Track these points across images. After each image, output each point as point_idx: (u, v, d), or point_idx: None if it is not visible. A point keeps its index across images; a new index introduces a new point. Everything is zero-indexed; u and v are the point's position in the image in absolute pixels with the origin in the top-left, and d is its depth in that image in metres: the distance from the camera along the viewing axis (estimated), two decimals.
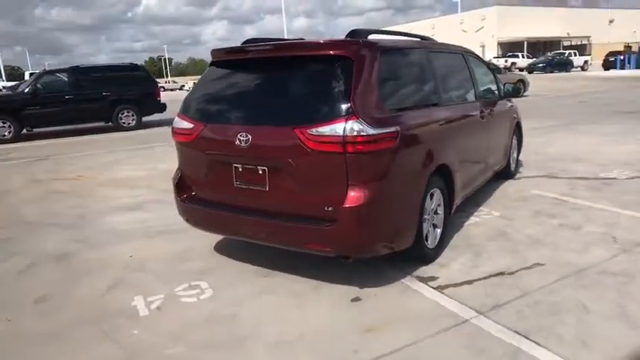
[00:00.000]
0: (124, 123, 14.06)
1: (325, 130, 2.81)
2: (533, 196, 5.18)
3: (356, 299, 3.12)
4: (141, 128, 14.11)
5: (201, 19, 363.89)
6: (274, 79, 3.24)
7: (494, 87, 5.19)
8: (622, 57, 32.46)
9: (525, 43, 52.80)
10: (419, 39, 4.06)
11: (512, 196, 5.24)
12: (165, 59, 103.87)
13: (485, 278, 3.31)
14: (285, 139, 2.95)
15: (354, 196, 2.84)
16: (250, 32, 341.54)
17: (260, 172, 3.13)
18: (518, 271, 3.39)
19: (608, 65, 33.87)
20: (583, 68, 38.71)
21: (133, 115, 14.17)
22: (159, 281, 3.55)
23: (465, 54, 4.69)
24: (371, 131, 2.78)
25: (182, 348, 2.68)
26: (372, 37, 3.28)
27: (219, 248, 4.13)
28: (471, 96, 4.45)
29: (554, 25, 57.38)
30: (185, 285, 3.45)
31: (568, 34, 56.49)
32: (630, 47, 44.71)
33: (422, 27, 69.50)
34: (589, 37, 54.09)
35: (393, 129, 2.92)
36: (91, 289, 3.48)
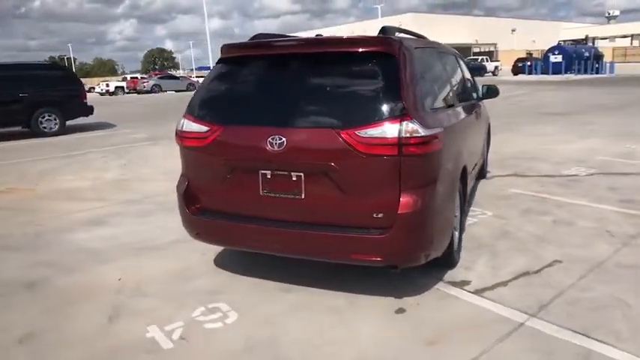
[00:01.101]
0: (44, 128, 12.66)
1: (377, 131, 2.62)
2: (514, 195, 5.36)
3: (400, 311, 2.96)
4: (64, 133, 12.80)
5: (107, 17, 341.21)
6: (307, 77, 2.98)
7: (477, 87, 5.30)
8: (529, 63, 35.46)
9: None
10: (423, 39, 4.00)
11: (494, 195, 5.38)
12: (69, 59, 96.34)
13: (514, 279, 3.31)
14: (328, 142, 2.72)
15: (408, 202, 2.68)
16: (162, 32, 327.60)
17: (294, 178, 2.86)
18: (542, 269, 3.43)
19: (516, 70, 36.76)
20: (494, 73, 41.70)
21: (55, 119, 12.80)
22: (168, 306, 3.13)
23: (457, 55, 4.73)
24: (423, 132, 2.64)
25: None
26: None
27: (221, 264, 3.77)
28: (474, 96, 4.49)
29: (464, 33, 61.39)
30: (201, 309, 3.08)
31: (476, 40, 60.78)
32: (532, 54, 49.25)
33: (342, 32, 71.12)
34: (495, 44, 58.63)
35: (438, 130, 2.80)
36: (89, 321, 2.99)
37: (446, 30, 59.70)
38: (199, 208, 3.24)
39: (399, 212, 2.66)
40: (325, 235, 2.83)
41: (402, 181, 2.67)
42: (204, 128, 3.06)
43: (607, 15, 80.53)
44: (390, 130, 2.60)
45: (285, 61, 3.02)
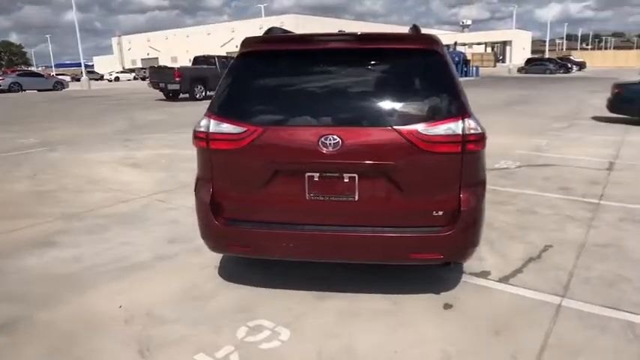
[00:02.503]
0: None
1: (442, 129, 2.63)
2: None
3: (447, 306, 3.02)
4: None
5: None
6: (355, 74, 2.86)
7: None
8: None
9: None
10: None
11: None
12: None
13: (524, 265, 3.58)
14: (388, 141, 2.65)
15: (469, 198, 2.74)
16: (5, 23, 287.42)
17: (346, 179, 2.74)
18: (541, 254, 3.77)
19: None
20: None
21: None
22: (202, 331, 2.79)
23: None
24: (480, 129, 2.72)
25: None
26: None
27: (228, 277, 3.46)
28: None
29: None
30: (244, 329, 2.80)
31: None
32: None
33: (221, 29, 69.60)
34: None
35: (483, 127, 2.91)
36: None
37: (327, 31, 61.87)
38: (230, 217, 2.94)
39: (462, 209, 2.71)
40: (382, 237, 2.77)
41: (462, 178, 2.72)
42: (239, 129, 2.78)
43: (461, 24, 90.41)
44: (454, 127, 2.63)
45: (329, 56, 2.85)
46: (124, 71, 61.17)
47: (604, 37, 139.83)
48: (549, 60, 48.86)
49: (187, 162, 7.61)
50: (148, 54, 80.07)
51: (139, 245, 4.14)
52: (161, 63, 60.30)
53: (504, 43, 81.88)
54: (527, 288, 3.21)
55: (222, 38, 67.05)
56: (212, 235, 3.02)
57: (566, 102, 16.67)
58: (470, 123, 2.67)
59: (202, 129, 2.88)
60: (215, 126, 2.83)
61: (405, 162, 2.68)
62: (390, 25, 77.98)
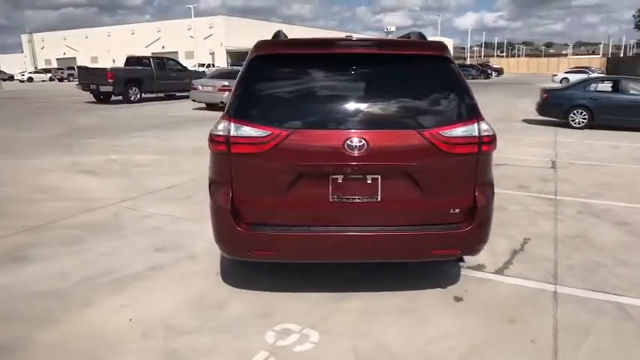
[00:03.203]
0: None
1: (459, 131, 2.79)
2: None
3: (458, 299, 3.19)
4: None
5: None
6: (375, 79, 2.95)
7: None
8: None
9: None
10: None
11: None
12: None
13: (512, 257, 3.87)
14: (411, 143, 2.77)
15: (483, 196, 2.93)
16: None
17: (369, 181, 2.82)
18: (523, 247, 4.08)
19: None
20: None
21: None
22: (229, 338, 2.74)
23: None
24: (492, 131, 2.91)
25: None
26: None
27: (237, 283, 3.40)
28: None
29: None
30: (271, 333, 2.78)
31: None
32: None
33: (146, 29, 66.78)
34: None
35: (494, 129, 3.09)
36: None
37: (256, 35, 61.15)
38: (252, 221, 2.89)
39: (478, 206, 2.89)
40: (405, 235, 2.88)
41: (477, 177, 2.90)
42: (263, 132, 2.76)
43: (386, 30, 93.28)
44: (471, 129, 2.80)
45: (348, 61, 2.91)
46: (38, 71, 56.58)
47: (516, 46, 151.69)
48: (471, 66, 52.21)
49: (143, 167, 7.30)
50: (65, 53, 74.75)
51: (125, 256, 3.93)
52: (79, 63, 56.62)
53: None
54: (522, 278, 3.48)
55: (147, 38, 64.31)
56: (232, 240, 2.96)
57: (497, 106, 17.86)
58: (483, 125, 2.85)
59: (222, 133, 2.82)
60: (237, 130, 2.78)
61: (426, 163, 2.81)
62: (319, 30, 79.12)
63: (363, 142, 2.73)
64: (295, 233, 2.88)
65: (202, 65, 46.08)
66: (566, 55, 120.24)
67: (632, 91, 11.44)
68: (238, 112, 2.84)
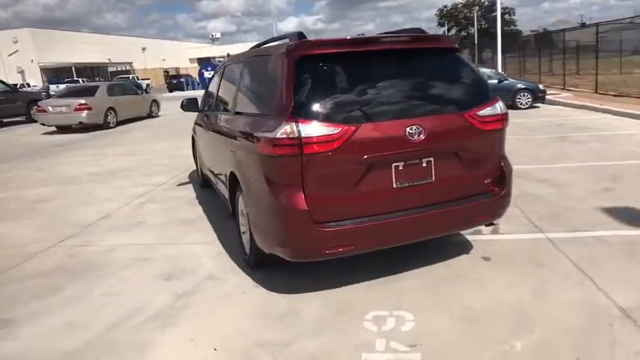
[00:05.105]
0: None
1: (488, 111, 3.24)
2: None
3: (487, 259, 3.65)
4: None
5: None
6: (412, 71, 3.26)
7: None
8: (182, 80, 38.01)
9: (73, 68, 51.30)
10: None
11: None
12: None
13: None
14: (457, 125, 3.14)
15: (507, 164, 3.44)
16: None
17: (424, 164, 3.08)
18: None
19: (172, 87, 38.35)
20: (146, 91, 41.88)
21: None
22: (333, 339, 2.75)
23: None
24: (506, 109, 3.41)
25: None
26: None
27: (281, 289, 3.32)
28: None
29: (95, 51, 58.34)
30: (369, 323, 2.86)
31: (109, 60, 58.92)
32: (168, 72, 52.15)
33: None
34: (131, 62, 58.59)
35: None
36: None
37: (75, 49, 55.25)
38: (326, 219, 2.91)
39: (506, 174, 3.37)
40: (457, 209, 3.21)
41: (501, 149, 3.40)
42: (333, 130, 2.81)
43: (211, 37, 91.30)
44: (495, 108, 3.29)
45: (389, 55, 3.16)
46: None
47: None
48: None
49: (50, 201, 6.29)
50: None
51: (136, 292, 3.49)
52: None
53: None
54: (515, 233, 4.12)
55: None
56: (308, 242, 2.93)
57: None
58: (502, 104, 3.35)
59: (291, 135, 2.77)
60: (307, 129, 2.78)
61: (467, 141, 3.21)
62: (148, 40, 74.73)
63: (421, 128, 2.99)
64: (369, 224, 2.99)
65: (16, 85, 39.79)
66: None
67: None
68: (303, 112, 2.83)
